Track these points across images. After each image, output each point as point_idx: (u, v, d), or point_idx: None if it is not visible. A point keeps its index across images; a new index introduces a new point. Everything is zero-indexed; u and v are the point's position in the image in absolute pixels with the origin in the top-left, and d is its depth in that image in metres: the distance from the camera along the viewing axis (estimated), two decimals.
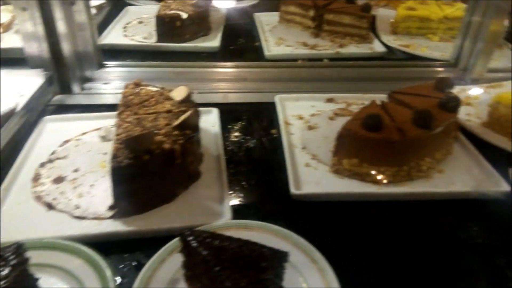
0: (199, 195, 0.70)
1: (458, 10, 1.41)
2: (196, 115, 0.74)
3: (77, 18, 1.00)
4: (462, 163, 0.81)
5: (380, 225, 0.70)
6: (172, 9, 1.30)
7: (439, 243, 0.67)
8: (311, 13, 1.40)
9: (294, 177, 0.75)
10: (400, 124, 0.76)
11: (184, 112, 0.73)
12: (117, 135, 0.67)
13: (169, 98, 0.78)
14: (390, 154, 0.74)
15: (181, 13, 1.29)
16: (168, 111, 0.73)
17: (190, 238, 0.50)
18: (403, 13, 1.40)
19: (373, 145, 0.73)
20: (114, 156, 0.62)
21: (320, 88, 1.13)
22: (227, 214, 0.65)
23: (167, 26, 1.28)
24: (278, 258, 0.48)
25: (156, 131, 0.67)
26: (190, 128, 0.70)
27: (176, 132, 0.68)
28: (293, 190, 0.71)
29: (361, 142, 0.74)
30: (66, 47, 1.00)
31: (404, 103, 0.83)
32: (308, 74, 1.20)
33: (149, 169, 0.63)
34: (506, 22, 1.44)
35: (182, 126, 0.69)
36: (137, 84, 0.84)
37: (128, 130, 0.67)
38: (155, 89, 0.83)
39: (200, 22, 1.36)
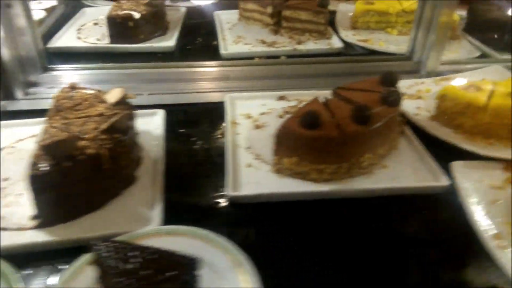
0: (131, 200, 0.67)
1: (415, 3, 1.40)
2: (128, 117, 0.72)
3: (16, 22, 0.97)
4: (406, 158, 0.80)
5: (320, 224, 0.69)
6: (124, 9, 1.27)
7: (379, 240, 0.66)
8: (269, 10, 1.38)
9: (233, 179, 0.73)
10: (340, 120, 0.74)
11: (116, 115, 0.71)
12: (41, 141, 0.64)
13: (104, 101, 0.76)
14: (329, 151, 0.72)
15: (133, 13, 1.25)
16: (100, 115, 0.71)
17: (99, 249, 0.48)
18: (361, 8, 1.39)
19: (311, 143, 0.72)
20: (33, 164, 0.60)
21: (276, 86, 1.12)
22: (157, 220, 0.63)
23: (119, 27, 1.25)
24: (188, 266, 0.46)
25: (81, 136, 0.64)
26: (120, 131, 0.68)
27: (104, 136, 0.66)
28: (229, 192, 0.69)
29: (299, 140, 0.72)
30: (5, 52, 0.96)
31: (346, 99, 0.82)
32: (265, 72, 1.18)
33: (71, 176, 0.61)
34: (463, 13, 1.47)
35: (110, 130, 0.66)
36: (73, 87, 0.81)
37: (53, 136, 0.65)
38: (91, 92, 0.80)
39: (155, 22, 1.33)
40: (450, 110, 0.87)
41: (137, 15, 1.26)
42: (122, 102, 0.76)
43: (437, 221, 0.70)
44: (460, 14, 1.49)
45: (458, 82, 1.03)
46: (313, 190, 0.72)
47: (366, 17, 1.40)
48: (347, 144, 0.73)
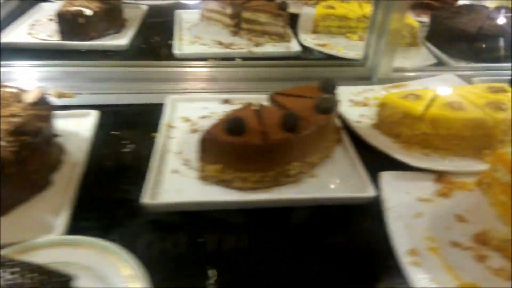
0: (38, 207, 0.64)
1: None
2: (42, 119, 0.68)
3: None
4: (339, 168, 0.78)
5: (240, 235, 0.67)
6: (75, 6, 1.23)
7: (293, 251, 0.64)
8: (229, 10, 1.36)
9: (153, 186, 0.70)
10: (267, 127, 0.72)
11: (32, 116, 0.68)
12: None
13: (21, 101, 0.72)
14: (254, 159, 0.70)
15: (84, 9, 1.22)
16: (11, 115, 0.67)
17: None
18: (322, 12, 1.37)
19: (234, 150, 0.69)
20: None
21: (228, 89, 1.09)
22: (60, 229, 0.60)
23: (69, 24, 1.21)
24: (58, 284, 0.43)
25: None
26: (29, 133, 0.64)
27: (10, 139, 0.63)
28: (144, 200, 0.66)
29: (223, 147, 0.70)
30: None
31: (281, 105, 0.80)
32: (218, 74, 1.16)
33: None
34: (427, 20, 1.46)
35: (16, 132, 0.63)
36: None
37: None
38: (12, 90, 0.76)
39: (109, 19, 1.29)
40: (389, 118, 0.86)
41: (88, 12, 1.22)
42: (40, 102, 0.72)
43: (358, 234, 0.68)
44: (424, 21, 1.49)
45: (404, 89, 1.02)
46: (234, 199, 0.69)
47: (327, 22, 1.38)
48: (272, 152, 0.70)
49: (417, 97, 0.85)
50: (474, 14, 1.34)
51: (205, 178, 0.73)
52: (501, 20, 1.28)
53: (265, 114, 0.76)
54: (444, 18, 1.32)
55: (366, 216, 0.71)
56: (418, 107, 0.81)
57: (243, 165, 0.70)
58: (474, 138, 0.80)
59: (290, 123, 0.71)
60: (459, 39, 1.25)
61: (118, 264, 0.54)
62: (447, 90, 0.89)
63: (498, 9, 1.36)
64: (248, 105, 0.79)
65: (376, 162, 0.80)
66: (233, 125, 0.69)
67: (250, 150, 0.69)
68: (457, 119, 0.78)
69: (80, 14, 1.20)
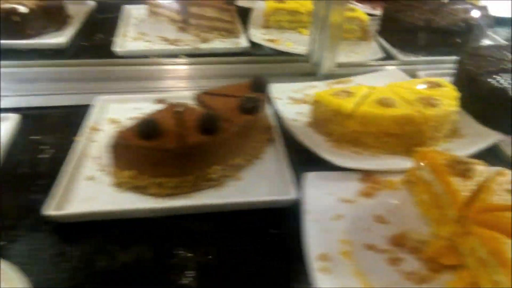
0: None
1: None
2: None
3: None
4: (266, 169, 0.76)
5: (158, 243, 0.63)
6: (10, 3, 1.17)
7: (212, 257, 0.61)
8: (176, 5, 1.31)
9: (63, 194, 0.66)
10: (185, 130, 0.69)
11: None
12: None
13: None
14: (169, 164, 0.67)
15: (18, 7, 1.16)
16: None
17: None
18: (272, 6, 1.33)
19: (147, 155, 0.66)
20: None
21: (169, 87, 1.06)
22: None
23: (3, 22, 1.14)
24: None
25: None
26: None
27: None
28: (47, 210, 0.62)
29: (135, 152, 0.66)
30: None
31: (206, 105, 0.77)
32: (159, 72, 1.12)
33: None
34: (378, 12, 1.44)
35: None
36: None
37: None
38: None
39: (49, 17, 1.23)
40: (321, 116, 0.83)
41: (23, 9, 1.16)
42: None
43: (277, 239, 0.65)
44: (378, 15, 1.47)
45: (348, 85, 1.00)
46: (146, 207, 0.65)
47: (278, 16, 1.34)
48: (188, 156, 0.67)
49: (349, 94, 0.82)
50: (425, 6, 1.32)
51: (119, 184, 0.69)
52: (450, 12, 1.26)
53: (186, 115, 0.73)
54: (395, 11, 1.30)
55: (290, 220, 0.68)
56: (348, 105, 0.79)
57: (157, 170, 0.67)
58: (404, 135, 0.78)
59: (208, 124, 0.68)
60: (408, 33, 1.24)
61: (3, 282, 0.50)
62: (382, 86, 0.87)
63: (451, 1, 1.35)
64: (171, 106, 0.75)
65: (308, 162, 0.77)
66: (145, 128, 0.66)
67: (163, 154, 0.66)
68: (385, 117, 0.76)
69: (14, 11, 1.14)
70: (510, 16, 1.54)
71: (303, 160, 0.78)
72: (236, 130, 0.71)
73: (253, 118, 0.74)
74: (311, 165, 0.76)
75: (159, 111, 0.74)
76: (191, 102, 0.79)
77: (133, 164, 0.67)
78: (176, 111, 0.74)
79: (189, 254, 0.62)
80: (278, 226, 0.67)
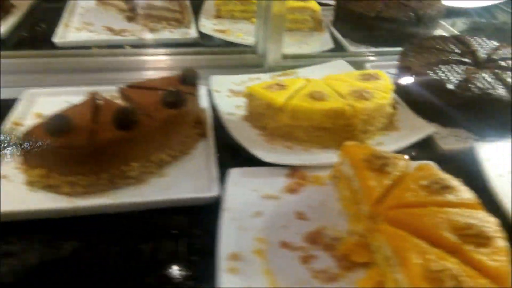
0: None
1: None
2: None
3: None
4: (193, 165, 0.73)
5: (72, 245, 0.61)
6: None
7: (124, 257, 0.59)
8: None
9: None
10: (100, 124, 0.66)
11: None
12: None
13: None
14: (80, 161, 0.63)
15: None
16: None
17: None
18: None
19: (56, 152, 0.62)
20: None
21: (109, 80, 1.00)
22: None
23: None
24: None
25: None
26: None
27: None
28: None
29: (43, 149, 0.63)
30: None
31: (128, 98, 0.74)
32: (100, 63, 1.07)
33: None
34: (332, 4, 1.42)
35: None
36: None
37: None
38: None
39: None
40: (255, 110, 0.81)
41: None
42: None
43: (196, 237, 0.62)
44: (333, 5, 1.45)
45: (291, 77, 0.98)
46: (53, 208, 0.62)
47: (229, 6, 1.31)
48: (101, 153, 0.64)
49: (282, 87, 0.80)
50: None
51: (31, 183, 0.66)
52: (402, 3, 1.25)
53: (104, 109, 0.69)
54: (347, 2, 1.28)
55: (211, 218, 0.65)
56: (279, 98, 0.77)
57: (68, 168, 0.63)
58: (336, 129, 0.76)
59: (123, 119, 0.65)
60: (359, 23, 1.22)
61: None
62: (317, 79, 0.86)
63: None
64: (90, 99, 0.72)
65: (240, 157, 0.75)
66: (54, 123, 0.62)
67: (72, 152, 0.62)
68: (315, 110, 0.75)
69: None
70: (467, 6, 1.54)
71: (236, 155, 0.76)
72: (157, 125, 0.68)
73: (177, 112, 0.71)
74: (242, 161, 0.74)
75: (76, 105, 0.70)
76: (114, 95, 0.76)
77: (42, 162, 0.64)
78: (95, 105, 0.70)
79: (100, 254, 0.59)
80: (199, 225, 0.65)
